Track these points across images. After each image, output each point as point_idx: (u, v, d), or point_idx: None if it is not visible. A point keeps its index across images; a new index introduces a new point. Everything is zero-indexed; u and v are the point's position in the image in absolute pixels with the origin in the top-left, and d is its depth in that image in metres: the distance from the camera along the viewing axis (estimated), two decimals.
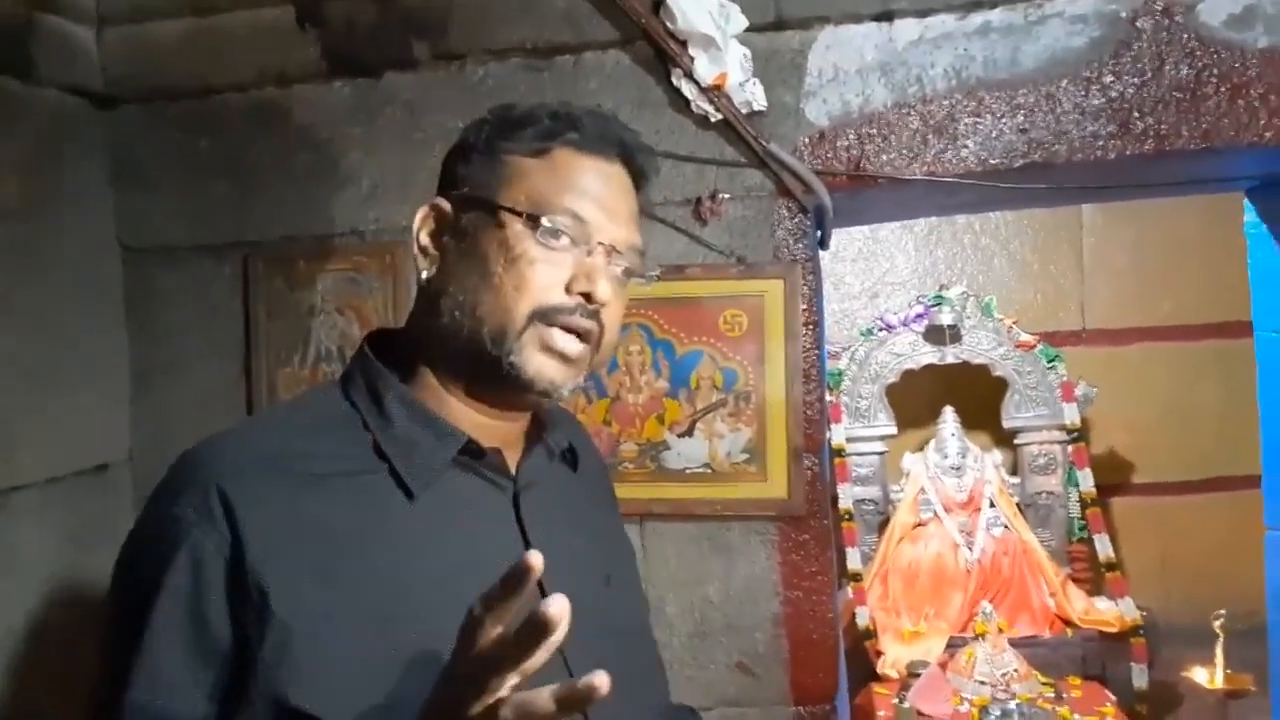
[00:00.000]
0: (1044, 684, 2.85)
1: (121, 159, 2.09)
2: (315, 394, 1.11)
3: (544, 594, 0.98)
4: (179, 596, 0.86)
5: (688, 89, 1.90)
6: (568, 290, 0.96)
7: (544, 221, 0.94)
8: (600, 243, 0.97)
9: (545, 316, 0.95)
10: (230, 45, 2.07)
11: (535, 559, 0.72)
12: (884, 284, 3.85)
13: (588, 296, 0.96)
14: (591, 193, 0.98)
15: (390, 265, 1.98)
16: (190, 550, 0.86)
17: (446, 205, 1.01)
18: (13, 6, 1.86)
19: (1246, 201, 2.31)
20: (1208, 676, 2.82)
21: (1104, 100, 1.83)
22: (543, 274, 0.95)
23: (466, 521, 0.97)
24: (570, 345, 0.96)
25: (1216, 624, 2.75)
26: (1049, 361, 3.31)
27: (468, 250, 0.97)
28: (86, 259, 2.02)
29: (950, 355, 3.36)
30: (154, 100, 2.09)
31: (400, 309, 1.97)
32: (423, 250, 1.01)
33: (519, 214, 0.95)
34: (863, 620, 3.11)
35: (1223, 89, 1.78)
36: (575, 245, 0.96)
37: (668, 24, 1.87)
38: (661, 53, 1.91)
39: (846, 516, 3.25)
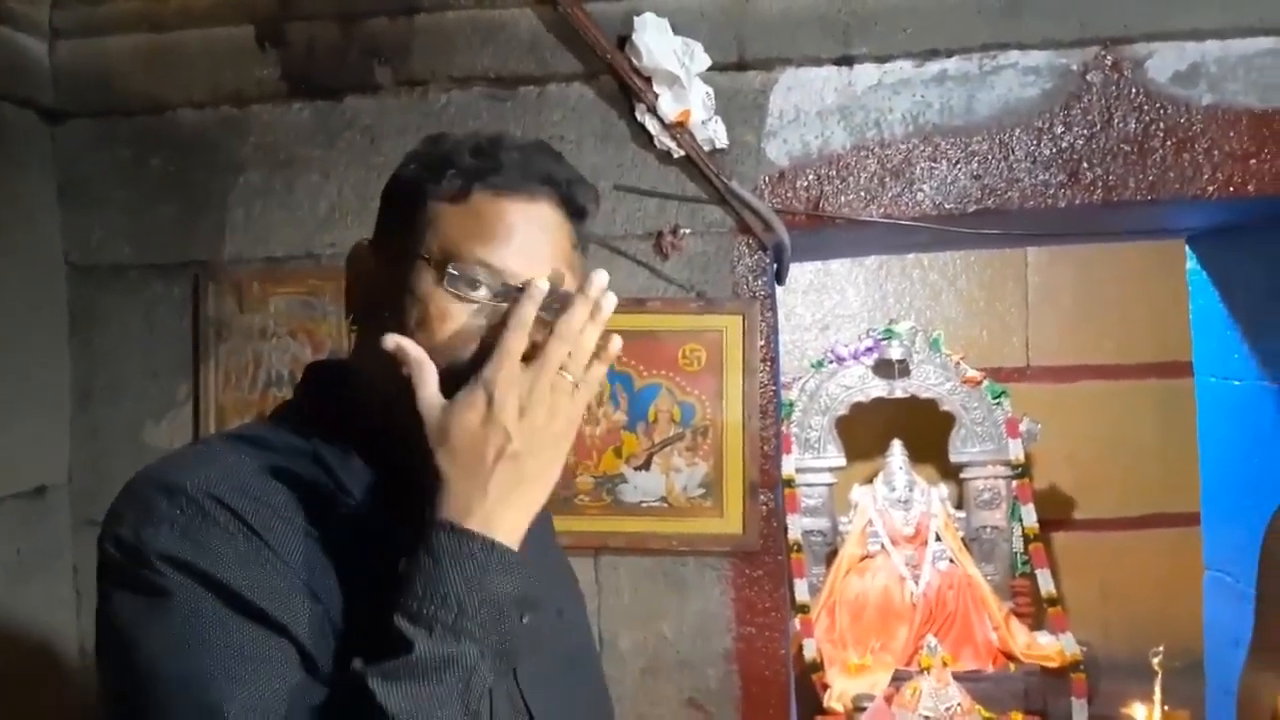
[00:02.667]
0: (986, 718, 2.88)
1: (70, 174, 2.04)
2: (256, 426, 1.06)
3: None
4: (201, 596, 0.81)
5: (651, 124, 1.92)
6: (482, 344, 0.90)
7: (451, 270, 0.89)
8: (516, 289, 0.90)
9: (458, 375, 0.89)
10: (186, 62, 2.03)
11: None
12: (834, 316, 3.89)
13: None
14: (510, 238, 0.91)
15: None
16: (191, 547, 0.82)
17: (369, 251, 0.97)
18: None
19: (1188, 249, 2.38)
20: (1146, 713, 2.86)
21: (1055, 150, 1.87)
22: (453, 329, 0.90)
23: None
24: None
25: (1155, 660, 2.80)
26: (995, 397, 3.37)
27: (386, 300, 0.93)
28: (30, 275, 1.97)
29: (899, 389, 3.40)
30: (106, 115, 2.05)
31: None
32: (348, 292, 0.98)
33: (431, 265, 0.90)
34: (810, 652, 3.12)
35: (1169, 143, 1.84)
36: (494, 297, 0.90)
37: (633, 60, 1.88)
38: (626, 88, 1.92)
39: (795, 548, 3.27)
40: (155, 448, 1.99)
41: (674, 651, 1.92)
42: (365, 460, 0.95)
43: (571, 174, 0.98)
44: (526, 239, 0.93)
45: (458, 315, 0.90)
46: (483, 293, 0.90)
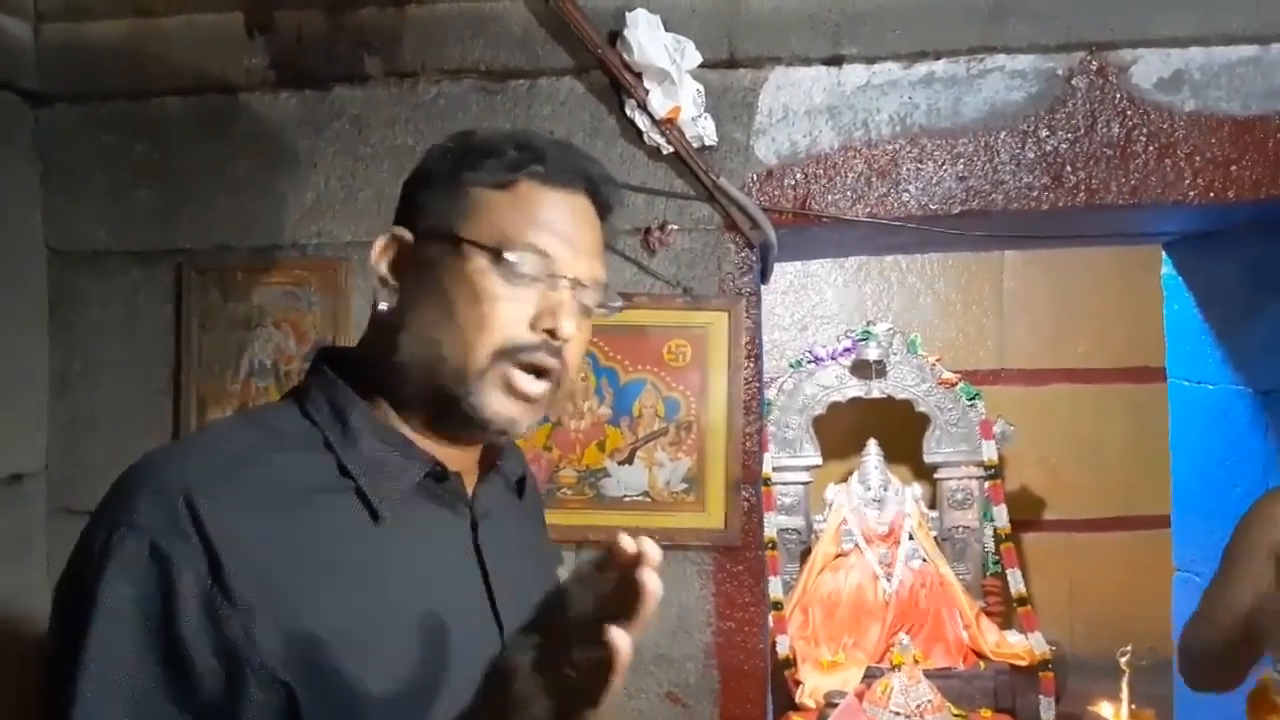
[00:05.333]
0: (956, 715, 2.90)
1: (52, 159, 2.02)
2: (267, 410, 1.08)
3: (498, 621, 0.99)
4: (142, 615, 0.81)
5: (641, 120, 1.92)
6: (531, 327, 0.94)
7: (507, 257, 0.93)
8: (564, 277, 0.95)
9: (508, 355, 0.93)
10: (172, 48, 2.02)
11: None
12: (813, 317, 3.91)
13: (551, 333, 0.94)
14: (556, 226, 0.96)
15: (332, 280, 1.95)
16: (157, 564, 0.81)
17: (408, 235, 0.98)
18: None
19: (1165, 254, 2.42)
20: (1113, 711, 2.90)
21: (1039, 153, 1.90)
22: (506, 311, 0.93)
23: (428, 547, 0.96)
24: (531, 385, 0.95)
25: (1122, 660, 2.85)
26: (969, 399, 3.40)
27: (429, 283, 0.95)
28: (9, 260, 1.94)
29: (875, 389, 3.42)
30: (90, 100, 2.03)
31: (341, 325, 1.94)
32: (382, 281, 0.99)
33: (482, 248, 0.93)
34: (783, 649, 3.13)
35: (1151, 148, 1.87)
36: (539, 280, 0.94)
37: (624, 56, 1.89)
38: (616, 83, 1.93)
39: (770, 545, 3.28)
40: (133, 436, 1.97)
41: (653, 645, 1.93)
42: (379, 440, 0.95)
43: (603, 172, 1.02)
44: (570, 228, 0.96)
45: (508, 296, 0.93)
46: (530, 276, 0.93)
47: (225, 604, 0.82)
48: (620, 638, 0.69)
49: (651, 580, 0.71)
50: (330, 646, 0.85)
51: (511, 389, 0.94)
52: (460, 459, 1.01)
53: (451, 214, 0.96)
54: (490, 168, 0.96)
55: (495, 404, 0.94)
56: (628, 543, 0.72)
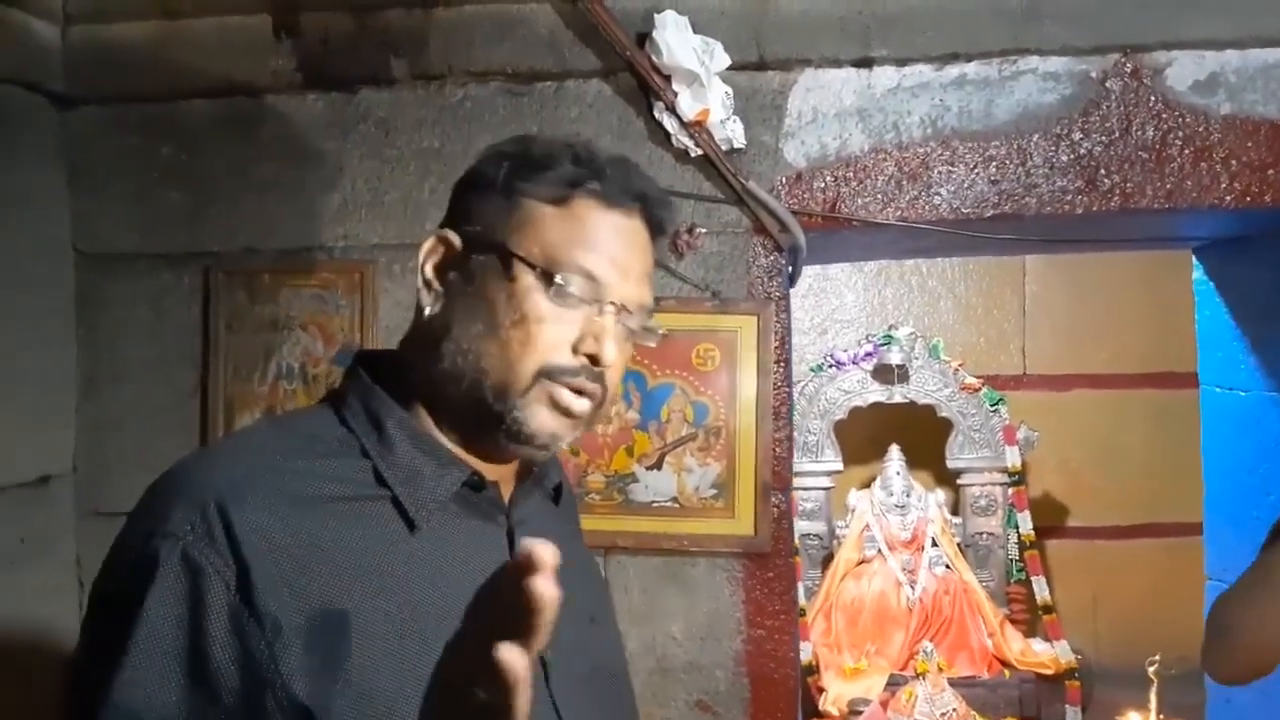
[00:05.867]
0: None
1: (80, 161, 2.02)
2: (304, 415, 1.07)
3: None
4: (172, 623, 0.80)
5: (669, 123, 1.91)
6: (574, 350, 0.93)
7: (557, 279, 0.91)
8: (611, 303, 0.94)
9: (550, 375, 0.92)
10: (199, 51, 2.01)
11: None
12: (833, 321, 3.89)
13: (594, 359, 0.93)
14: (607, 249, 0.94)
15: (359, 283, 1.94)
16: (189, 574, 0.81)
17: (456, 241, 0.97)
18: None
19: (1195, 259, 2.39)
20: None
21: (1073, 156, 1.88)
22: (550, 332, 0.92)
23: (464, 557, 0.94)
24: (576, 403, 0.94)
25: (1151, 669, 2.81)
26: (992, 405, 3.38)
27: (474, 293, 0.94)
28: (37, 262, 1.94)
29: (898, 394, 3.40)
30: (117, 102, 2.03)
31: (368, 328, 1.93)
32: (426, 283, 0.98)
33: (532, 267, 0.92)
34: (805, 656, 3.11)
35: (1186, 151, 1.85)
36: (585, 303, 0.93)
37: (652, 58, 1.88)
38: (644, 85, 1.92)
39: (792, 551, 3.26)
40: (161, 438, 1.96)
41: (682, 653, 1.91)
42: (416, 448, 0.94)
43: (659, 192, 1.00)
44: (621, 252, 0.95)
45: (554, 318, 0.92)
46: (577, 299, 0.93)
47: (251, 620, 0.81)
48: (510, 653, 0.63)
49: (543, 588, 0.64)
50: (363, 661, 0.84)
51: (555, 405, 0.93)
52: (498, 468, 1.00)
53: (502, 225, 0.95)
54: (546, 181, 0.94)
55: (539, 420, 0.93)
56: (521, 549, 0.66)
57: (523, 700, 0.64)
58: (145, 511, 0.87)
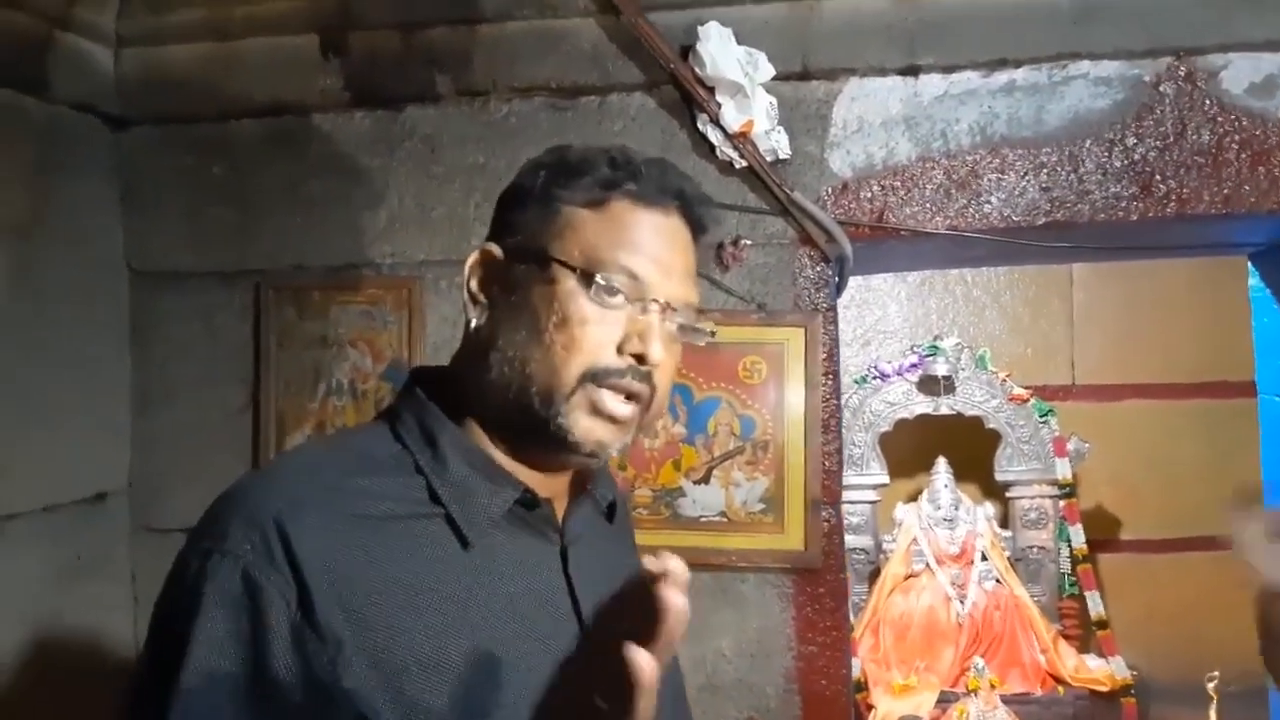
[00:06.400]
0: None
1: (132, 181, 2.06)
2: (360, 432, 1.08)
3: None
4: (233, 641, 0.81)
5: (713, 135, 1.90)
6: (619, 350, 0.92)
7: (598, 279, 0.91)
8: (655, 300, 0.93)
9: (596, 378, 0.91)
10: (249, 71, 2.04)
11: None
12: (876, 332, 3.85)
13: (640, 358, 0.92)
14: (648, 248, 0.94)
15: (406, 299, 1.95)
16: (248, 591, 0.81)
17: (498, 252, 0.97)
18: (32, 24, 1.83)
19: (1250, 265, 2.34)
20: None
21: (1126, 162, 1.85)
22: (594, 334, 0.91)
23: (517, 574, 0.94)
24: (619, 408, 0.93)
25: (1210, 685, 2.75)
26: (1042, 415, 3.32)
27: (518, 302, 0.94)
28: (92, 280, 1.97)
29: (944, 406, 3.36)
30: (168, 123, 2.07)
31: (416, 344, 1.94)
32: (472, 297, 0.98)
33: (572, 269, 0.92)
34: (854, 673, 3.07)
35: (1243, 155, 1.81)
36: (629, 303, 0.93)
37: (696, 70, 1.87)
38: (688, 98, 1.91)
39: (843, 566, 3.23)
40: (214, 455, 1.99)
41: (733, 669, 1.89)
42: (469, 466, 0.94)
43: (699, 192, 1.00)
44: (662, 250, 0.95)
45: (597, 319, 0.92)
46: (620, 299, 0.92)
47: (313, 637, 0.81)
48: (639, 655, 0.64)
49: (674, 598, 0.67)
50: (418, 679, 0.84)
51: (598, 411, 0.92)
52: (551, 484, 1.00)
53: (543, 232, 0.95)
54: (583, 186, 0.95)
55: (583, 426, 0.93)
56: (652, 561, 0.69)
57: (646, 706, 0.65)
58: (205, 531, 0.87)
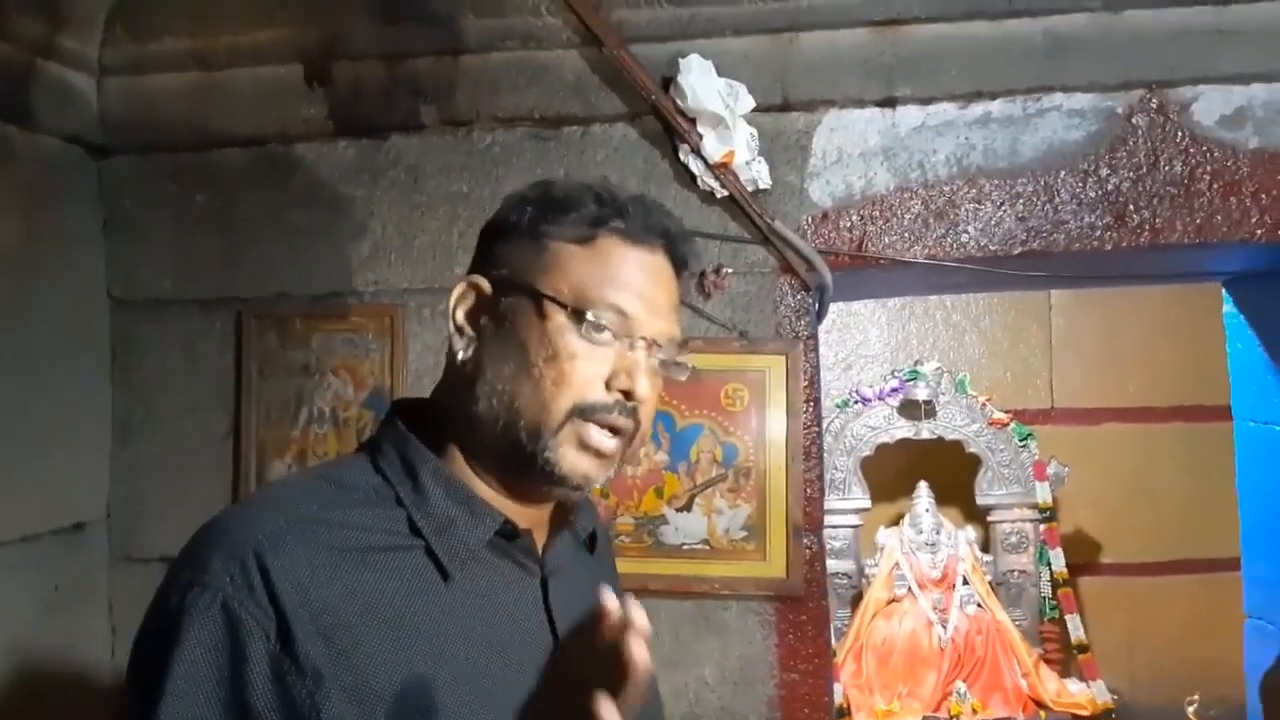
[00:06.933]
0: None
1: (115, 209, 2.06)
2: (340, 464, 1.08)
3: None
4: (212, 672, 0.81)
5: (694, 165, 1.92)
6: (607, 386, 0.94)
7: (589, 316, 0.92)
8: (642, 337, 0.95)
9: (584, 413, 0.93)
10: (232, 100, 2.05)
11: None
12: (857, 356, 3.87)
13: (628, 394, 0.94)
14: (635, 285, 0.95)
15: (389, 328, 1.95)
16: (228, 624, 0.82)
17: (486, 285, 0.98)
18: (15, 53, 1.83)
19: (1225, 292, 2.37)
20: None
21: (1100, 192, 1.88)
22: (584, 369, 0.92)
23: (497, 606, 0.95)
24: (606, 442, 0.94)
25: (1190, 708, 2.76)
26: (1022, 440, 3.34)
27: (506, 336, 0.95)
28: (72, 309, 1.97)
29: (925, 430, 3.38)
30: (151, 152, 2.07)
31: (398, 372, 1.94)
32: (458, 329, 0.98)
33: (563, 305, 0.93)
34: (836, 698, 3.07)
35: (1215, 186, 1.84)
36: (616, 339, 0.94)
37: (677, 101, 1.89)
38: (669, 128, 1.93)
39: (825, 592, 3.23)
40: (195, 484, 1.98)
41: (715, 698, 1.89)
42: (449, 498, 0.94)
43: (681, 229, 1.02)
44: (649, 287, 0.96)
45: (586, 355, 0.93)
46: (608, 335, 0.93)
47: (293, 669, 0.82)
48: (606, 710, 0.65)
49: (638, 652, 0.67)
50: (398, 711, 0.84)
51: (586, 445, 0.93)
52: (531, 515, 1.00)
53: (530, 267, 0.96)
54: (570, 222, 0.96)
55: (570, 460, 0.93)
56: (611, 604, 0.70)
57: None
58: (185, 563, 0.87)
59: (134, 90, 2.05)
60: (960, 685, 2.95)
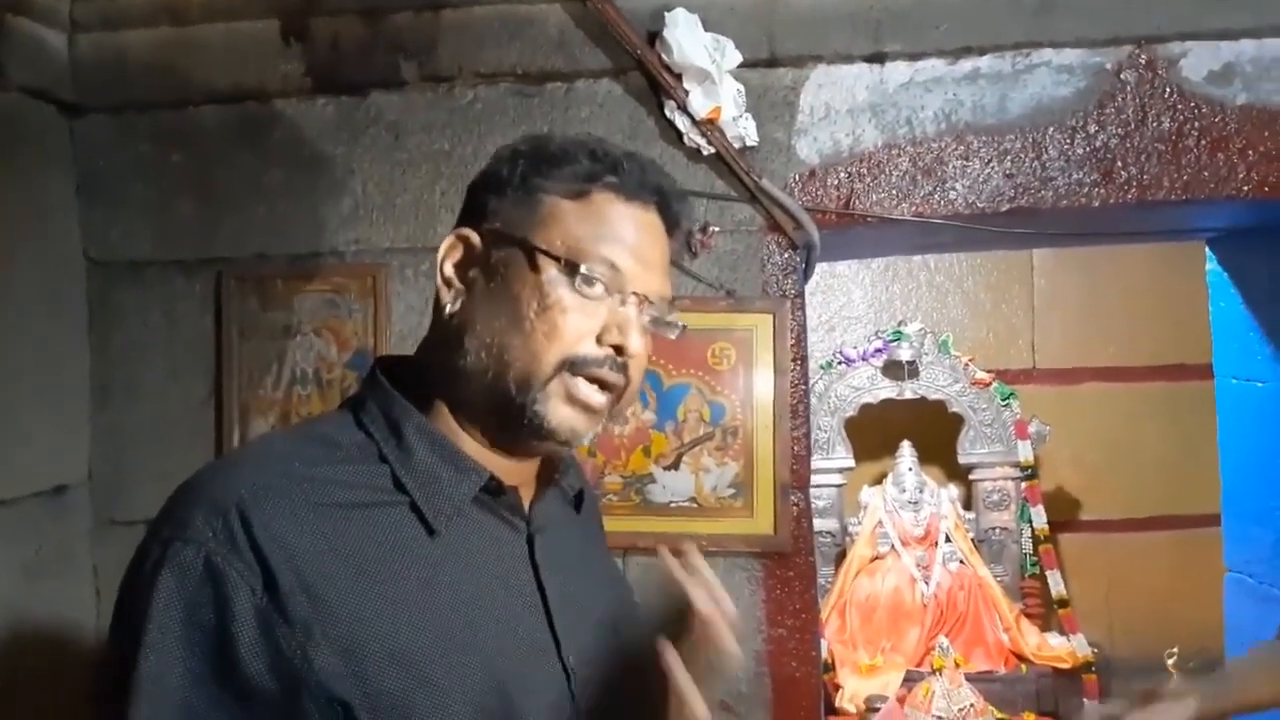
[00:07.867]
0: (1000, 719, 2.87)
1: (89, 169, 2.01)
2: (323, 421, 1.07)
3: (555, 638, 0.97)
4: (197, 628, 0.81)
5: (681, 122, 1.90)
6: (598, 340, 0.93)
7: (582, 269, 0.92)
8: (634, 293, 0.94)
9: (574, 367, 0.92)
10: (208, 57, 2.00)
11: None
12: (841, 318, 3.88)
13: (619, 349, 0.93)
14: (628, 241, 0.95)
15: (371, 288, 1.93)
16: (211, 578, 0.81)
17: (475, 238, 0.97)
18: None
19: (1209, 251, 2.38)
20: None
21: (1089, 149, 1.87)
22: (575, 323, 0.92)
23: (482, 562, 0.94)
24: (595, 397, 0.94)
25: (1169, 661, 2.80)
26: (1004, 399, 3.36)
27: (497, 289, 0.94)
28: (48, 271, 1.93)
29: (908, 390, 3.39)
30: (125, 110, 2.02)
31: (381, 332, 1.92)
32: (447, 282, 0.97)
33: (555, 259, 0.92)
34: (821, 653, 3.10)
35: (1203, 142, 1.84)
36: (609, 294, 0.93)
37: (663, 56, 1.87)
38: (655, 84, 1.91)
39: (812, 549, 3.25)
40: (176, 446, 1.96)
41: (702, 655, 1.89)
42: (434, 453, 0.94)
43: (674, 188, 1.01)
44: (642, 244, 0.96)
45: (578, 309, 0.92)
46: (600, 290, 0.93)
47: (281, 622, 0.81)
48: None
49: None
50: (386, 664, 0.84)
51: (574, 399, 0.93)
52: (518, 472, 1.00)
53: (523, 220, 0.95)
54: (564, 176, 0.95)
55: (558, 413, 0.93)
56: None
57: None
58: (166, 519, 0.86)
59: (106, 46, 2.00)
60: (943, 640, 2.98)
